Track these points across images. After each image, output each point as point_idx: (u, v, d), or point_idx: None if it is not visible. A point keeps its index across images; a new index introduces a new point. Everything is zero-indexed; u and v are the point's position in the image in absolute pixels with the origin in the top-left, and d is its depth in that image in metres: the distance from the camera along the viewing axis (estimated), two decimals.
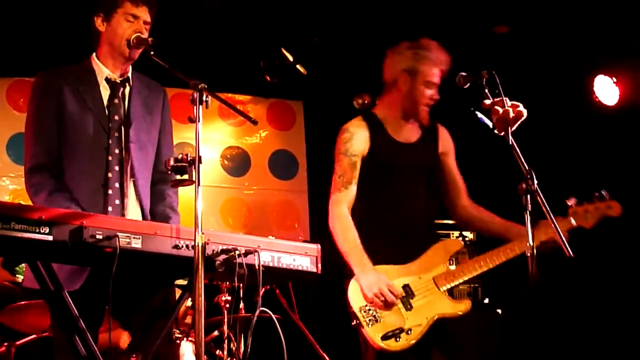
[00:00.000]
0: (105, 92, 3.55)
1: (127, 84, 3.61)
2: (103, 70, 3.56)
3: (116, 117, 3.52)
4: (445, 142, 4.32)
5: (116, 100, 3.54)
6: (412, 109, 4.18)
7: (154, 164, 3.64)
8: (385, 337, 3.87)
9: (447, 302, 3.99)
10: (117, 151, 3.47)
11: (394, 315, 3.92)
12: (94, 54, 3.61)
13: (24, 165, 3.46)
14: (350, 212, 4.04)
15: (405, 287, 3.98)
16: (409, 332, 3.89)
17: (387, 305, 3.89)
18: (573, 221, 4.00)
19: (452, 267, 4.06)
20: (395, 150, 4.16)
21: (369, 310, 3.91)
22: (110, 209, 3.39)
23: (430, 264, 4.05)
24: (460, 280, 4.03)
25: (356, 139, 4.12)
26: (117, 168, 3.46)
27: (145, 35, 3.50)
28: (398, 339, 3.86)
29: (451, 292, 4.04)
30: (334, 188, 4.10)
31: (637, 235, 6.32)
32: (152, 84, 3.73)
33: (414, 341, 3.88)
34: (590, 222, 4.03)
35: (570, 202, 4.02)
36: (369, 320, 3.89)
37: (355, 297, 3.94)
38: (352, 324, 3.94)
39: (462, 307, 4.00)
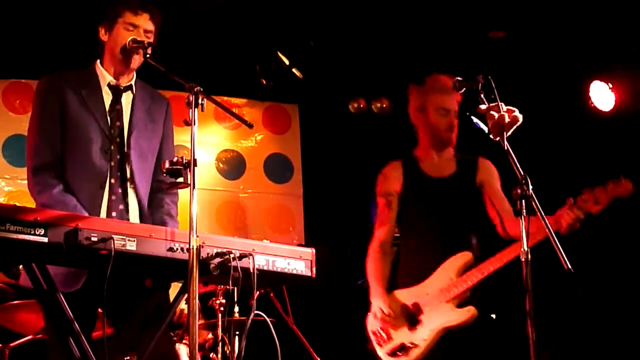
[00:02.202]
0: (107, 97, 3.56)
1: (129, 91, 3.61)
2: (106, 77, 3.58)
3: (117, 123, 3.52)
4: (484, 172, 4.35)
5: (118, 106, 3.55)
6: (436, 140, 4.33)
7: (154, 173, 3.64)
8: (392, 354, 4.10)
9: (451, 312, 4.03)
10: (118, 157, 3.48)
11: (401, 333, 4.11)
12: (98, 61, 3.62)
13: (26, 165, 3.46)
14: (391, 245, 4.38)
15: (414, 305, 4.13)
16: (416, 346, 4.04)
17: (388, 322, 4.13)
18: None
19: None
20: (424, 185, 4.32)
21: (381, 332, 4.17)
22: (114, 214, 3.40)
23: (439, 279, 4.12)
24: (461, 289, 4.05)
25: (389, 180, 4.39)
26: (119, 174, 3.47)
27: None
28: (405, 354, 4.04)
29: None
30: (374, 227, 4.41)
31: (636, 240, 6.33)
32: (156, 94, 3.74)
33: (419, 353, 4.02)
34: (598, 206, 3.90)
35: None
36: (379, 341, 4.17)
37: (370, 322, 4.26)
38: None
39: (465, 315, 4.01)
